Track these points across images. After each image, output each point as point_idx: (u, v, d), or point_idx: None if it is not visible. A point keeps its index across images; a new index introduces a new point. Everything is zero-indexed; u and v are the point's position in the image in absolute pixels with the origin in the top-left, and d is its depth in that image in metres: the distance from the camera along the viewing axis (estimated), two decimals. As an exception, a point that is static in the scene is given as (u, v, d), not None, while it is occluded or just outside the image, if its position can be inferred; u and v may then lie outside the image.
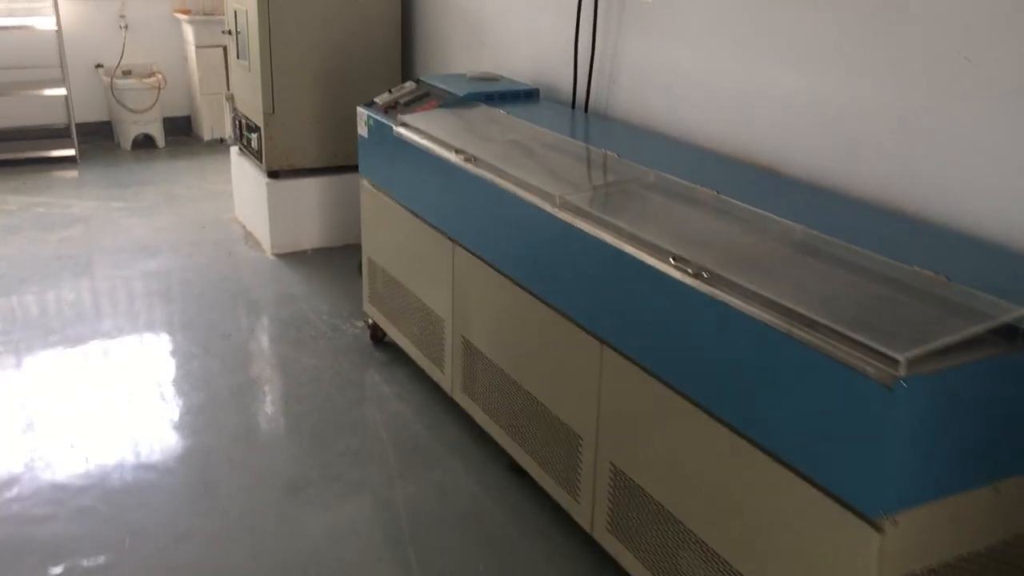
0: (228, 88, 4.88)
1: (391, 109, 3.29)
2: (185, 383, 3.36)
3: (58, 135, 6.48)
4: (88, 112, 6.50)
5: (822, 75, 2.36)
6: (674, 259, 1.93)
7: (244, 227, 4.94)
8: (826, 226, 2.01)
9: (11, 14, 6.18)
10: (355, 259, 4.47)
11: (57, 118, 6.49)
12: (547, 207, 2.33)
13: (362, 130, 3.41)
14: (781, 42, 2.47)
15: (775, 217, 2.08)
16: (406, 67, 4.66)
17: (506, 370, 2.69)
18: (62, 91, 6.10)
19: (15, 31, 6.08)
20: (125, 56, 6.49)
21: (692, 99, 2.80)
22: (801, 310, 1.67)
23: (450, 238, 2.89)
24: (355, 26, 4.42)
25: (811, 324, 1.64)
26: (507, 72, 3.69)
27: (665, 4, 2.85)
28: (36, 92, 6.07)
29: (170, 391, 3.31)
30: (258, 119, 4.44)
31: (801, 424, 1.68)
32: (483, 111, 3.15)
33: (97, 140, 6.58)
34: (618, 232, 2.11)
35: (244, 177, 4.83)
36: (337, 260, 4.53)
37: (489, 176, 2.57)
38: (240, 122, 4.75)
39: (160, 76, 6.47)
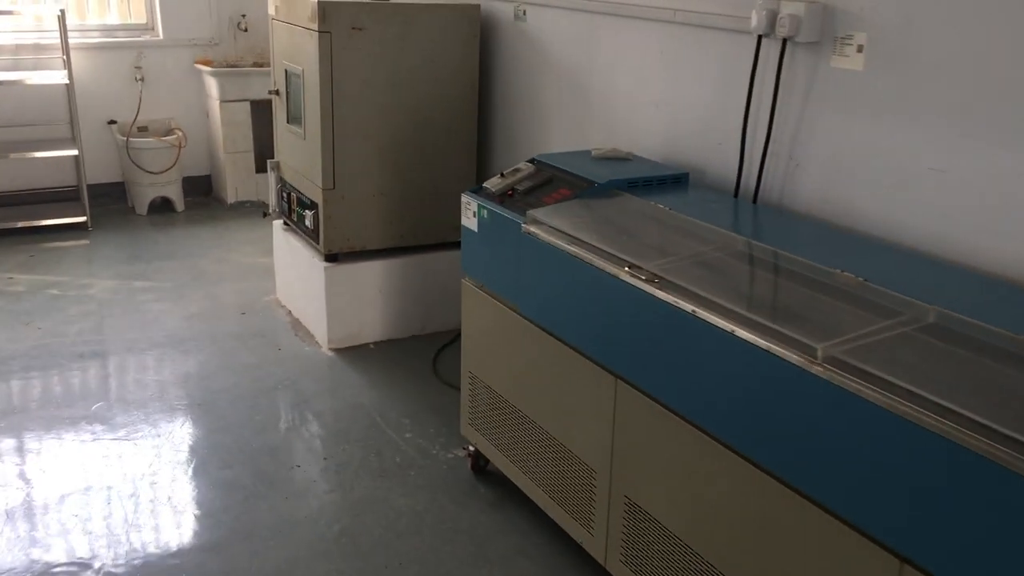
0: (276, 153, 4.28)
1: (508, 198, 2.69)
2: (246, 542, 2.71)
3: (66, 198, 5.85)
4: (99, 172, 5.87)
5: None
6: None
7: (290, 313, 4.30)
8: None
9: (16, 67, 5.56)
10: (426, 354, 3.84)
11: (65, 179, 5.86)
12: (798, 361, 1.72)
13: (467, 221, 2.80)
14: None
15: None
16: (487, 135, 4.06)
17: (704, 553, 2.06)
18: (73, 152, 5.47)
19: (21, 86, 5.46)
20: (141, 111, 5.87)
21: (926, 198, 2.21)
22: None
23: (612, 373, 2.27)
24: (429, 87, 3.83)
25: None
26: (628, 148, 3.10)
27: (885, 73, 2.26)
28: (45, 154, 5.43)
29: (229, 553, 2.66)
30: (314, 195, 3.83)
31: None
32: (631, 203, 2.55)
33: (109, 203, 5.94)
34: (942, 412, 1.50)
35: (292, 257, 4.21)
36: (407, 357, 3.90)
37: (688, 307, 1.96)
38: (289, 195, 4.13)
39: (180, 134, 5.85)
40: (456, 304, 4.09)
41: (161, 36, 5.95)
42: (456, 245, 4.04)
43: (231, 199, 6.00)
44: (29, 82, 5.37)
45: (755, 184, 2.64)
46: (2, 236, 5.28)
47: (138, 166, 5.72)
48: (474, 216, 2.77)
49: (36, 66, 5.63)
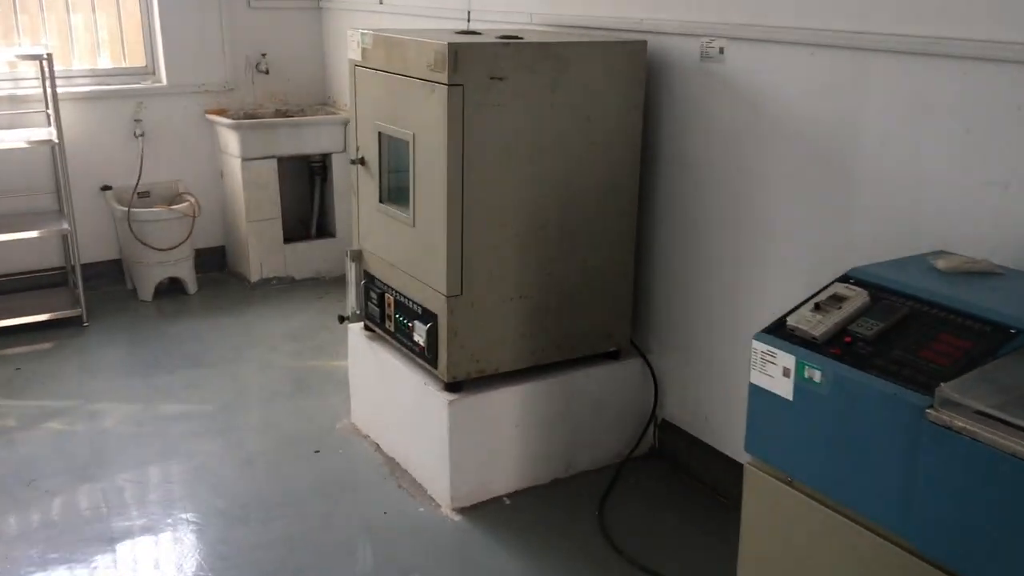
0: (358, 235, 3.25)
1: (848, 348, 1.71)
2: None
3: (52, 283, 4.75)
4: (91, 250, 4.76)
5: None
6: None
7: (378, 447, 3.26)
8: None
9: (-12, 125, 4.46)
10: (583, 509, 2.83)
11: (50, 259, 4.76)
12: None
13: (767, 379, 1.82)
14: None
15: None
16: (650, 217, 3.07)
17: None
18: (61, 226, 4.37)
19: (-5, 149, 4.36)
20: (143, 173, 4.79)
21: None
22: None
23: None
24: (581, 153, 2.85)
25: None
26: (934, 247, 2.14)
27: None
28: (23, 235, 4.32)
29: None
30: (431, 302, 2.81)
31: None
32: (1080, 364, 1.57)
33: (103, 285, 4.84)
34: None
35: (384, 376, 3.18)
36: (558, 515, 2.88)
37: None
38: (382, 296, 3.10)
39: (193, 200, 4.78)
40: (609, 432, 3.10)
41: (164, 82, 4.88)
42: (608, 357, 3.05)
43: (255, 276, 4.93)
44: (5, 144, 4.26)
45: None
46: (-24, 341, 4.16)
47: (142, 242, 4.63)
48: (787, 376, 1.78)
49: (12, 124, 4.52)
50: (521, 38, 2.79)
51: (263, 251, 4.91)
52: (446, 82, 2.57)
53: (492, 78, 2.63)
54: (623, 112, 2.88)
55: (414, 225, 2.85)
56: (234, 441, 3.33)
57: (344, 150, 4.98)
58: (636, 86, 2.88)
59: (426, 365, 2.91)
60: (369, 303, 3.20)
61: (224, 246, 5.18)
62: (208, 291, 4.90)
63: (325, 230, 5.20)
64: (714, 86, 2.75)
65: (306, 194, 5.23)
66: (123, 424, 3.45)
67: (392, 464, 3.16)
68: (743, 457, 2.77)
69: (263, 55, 5.04)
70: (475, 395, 2.86)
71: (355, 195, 3.21)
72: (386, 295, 3.08)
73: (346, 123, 4.94)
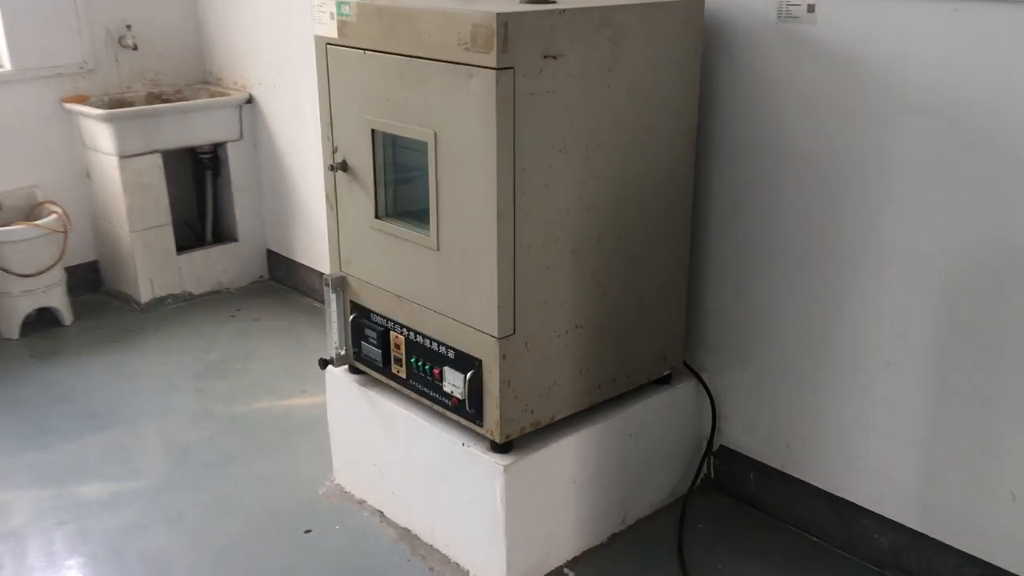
0: (338, 259, 2.58)
1: None
2: None
3: None
4: (-69, 282, 3.80)
5: None
6: None
7: (382, 515, 2.65)
8: None
9: None
10: (656, 569, 2.36)
11: None
12: None
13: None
14: None
15: None
16: (704, 216, 2.57)
17: None
18: None
19: None
20: (-8, 184, 3.86)
21: None
22: None
23: None
24: (638, 145, 2.31)
25: None
26: None
27: None
28: None
29: None
30: (471, 344, 2.22)
31: None
32: None
33: (-50, 325, 3.89)
34: None
35: (394, 433, 2.55)
36: (638, 585, 2.39)
37: None
38: (383, 334, 2.47)
39: (60, 212, 3.88)
40: (665, 469, 2.65)
41: (8, 66, 3.92)
42: (659, 382, 2.56)
43: (145, 296, 4.09)
44: None
45: None
46: None
47: (2, 268, 3.72)
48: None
49: None
50: (555, 1, 2.19)
51: (153, 265, 4.08)
52: (494, 65, 1.96)
53: (546, 57, 2.04)
54: (677, 90, 2.35)
55: (438, 249, 2.23)
56: (193, 531, 2.61)
57: (240, 137, 4.20)
58: (692, 57, 2.36)
59: (463, 421, 2.32)
60: (365, 343, 2.55)
61: (97, 261, 4.30)
62: (88, 319, 4.03)
63: (224, 234, 4.40)
64: (799, 54, 2.26)
65: (194, 194, 4.41)
66: (36, 522, 2.66)
67: (410, 539, 2.55)
68: (841, 490, 2.38)
69: (128, 27, 4.15)
70: (532, 454, 2.29)
71: (332, 208, 2.53)
72: (392, 334, 2.45)
73: (242, 105, 4.16)
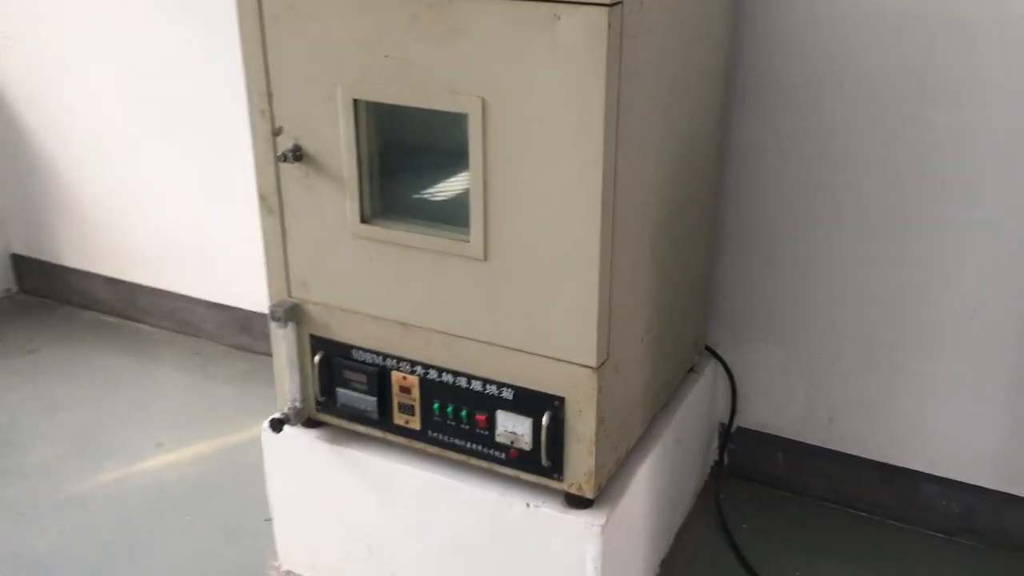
0: (286, 281, 1.84)
1: None
2: None
3: None
4: None
5: None
6: None
7: (379, 604, 2.02)
8: None
9: None
10: None
11: None
12: None
13: None
14: None
15: None
16: (732, 190, 2.14)
17: None
18: None
19: None
20: None
21: None
22: None
23: None
24: (700, 98, 1.84)
25: None
26: None
27: None
28: None
29: None
30: (544, 378, 1.65)
31: None
32: None
33: None
34: None
35: (391, 500, 1.92)
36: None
37: None
38: (378, 376, 1.81)
39: None
40: (693, 467, 2.29)
41: None
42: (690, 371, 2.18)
43: None
44: None
45: None
46: None
47: None
48: None
49: None
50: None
51: None
52: (606, 0, 1.38)
53: (648, -12, 1.49)
54: (718, 43, 1.90)
55: (485, 258, 1.62)
56: None
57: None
58: (724, 11, 1.91)
59: (526, 476, 1.76)
60: (344, 390, 1.86)
61: None
62: None
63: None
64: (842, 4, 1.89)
65: None
66: None
67: (433, 628, 1.96)
68: (898, 458, 2.17)
69: None
70: (619, 502, 1.79)
71: (273, 214, 1.79)
72: (395, 375, 1.80)
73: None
